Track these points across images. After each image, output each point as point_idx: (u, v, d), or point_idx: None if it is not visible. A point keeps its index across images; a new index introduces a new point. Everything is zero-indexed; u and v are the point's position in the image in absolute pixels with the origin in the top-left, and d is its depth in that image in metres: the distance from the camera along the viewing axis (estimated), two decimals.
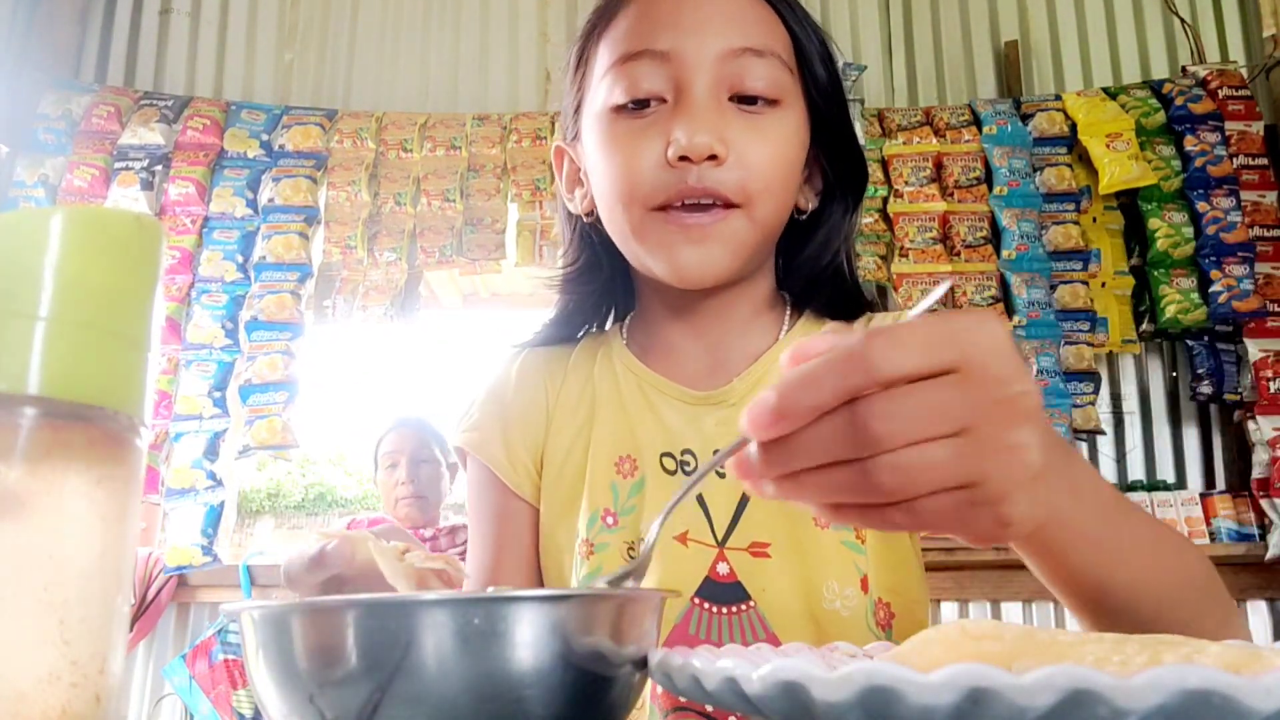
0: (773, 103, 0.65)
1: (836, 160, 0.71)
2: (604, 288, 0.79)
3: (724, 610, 0.65)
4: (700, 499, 0.68)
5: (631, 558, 0.70)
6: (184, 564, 2.48)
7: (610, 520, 0.71)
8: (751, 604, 0.65)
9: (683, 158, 0.61)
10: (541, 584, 0.76)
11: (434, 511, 2.42)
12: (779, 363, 0.36)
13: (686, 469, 0.70)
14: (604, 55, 0.68)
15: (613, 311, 0.82)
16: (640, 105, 0.65)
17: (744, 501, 0.68)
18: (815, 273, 0.73)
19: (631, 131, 0.65)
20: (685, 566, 0.67)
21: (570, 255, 0.78)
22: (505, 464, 0.77)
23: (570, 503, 0.73)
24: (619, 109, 0.66)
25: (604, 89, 0.67)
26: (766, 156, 0.64)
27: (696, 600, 0.66)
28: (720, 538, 0.67)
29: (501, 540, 0.76)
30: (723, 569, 0.67)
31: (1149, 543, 0.50)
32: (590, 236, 0.76)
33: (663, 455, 0.71)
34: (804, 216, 0.72)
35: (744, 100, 0.64)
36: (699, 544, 0.67)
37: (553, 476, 0.75)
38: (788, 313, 0.75)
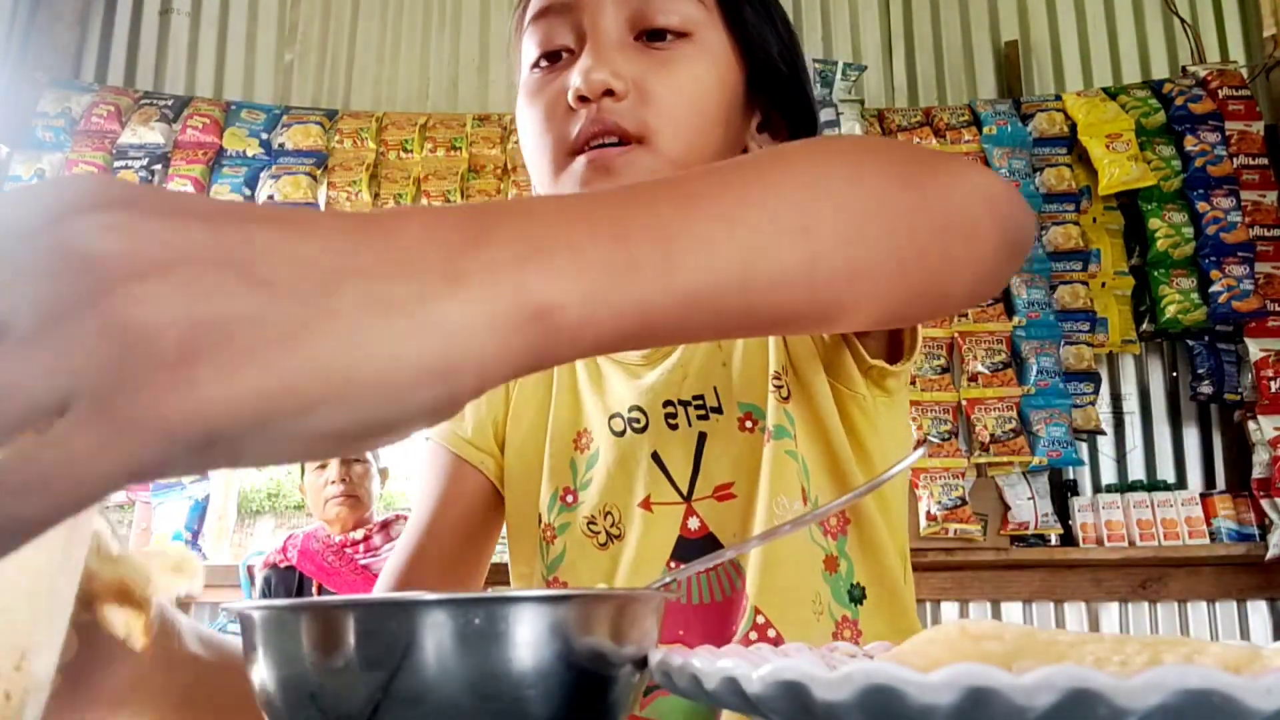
0: (683, 36, 0.63)
1: (782, 102, 0.68)
2: None
3: (705, 568, 0.65)
4: (655, 457, 0.68)
5: (594, 532, 0.69)
6: None
7: (570, 499, 0.71)
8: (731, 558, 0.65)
9: (581, 98, 0.60)
10: (473, 550, 0.74)
11: (365, 512, 2.34)
12: None
13: (636, 426, 0.69)
14: (526, 16, 0.68)
15: None
16: (553, 59, 0.65)
17: (700, 447, 0.67)
18: None
19: (543, 84, 0.64)
20: (655, 532, 0.66)
21: None
22: (467, 446, 0.76)
23: (532, 484, 0.73)
24: (534, 65, 0.66)
25: (524, 50, 0.67)
26: (673, 90, 0.62)
27: (673, 564, 0.65)
28: (686, 492, 0.67)
29: (446, 497, 0.74)
30: (693, 524, 0.66)
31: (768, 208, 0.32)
32: None
33: (610, 418, 0.70)
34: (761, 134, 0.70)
35: (653, 37, 0.63)
36: (664, 505, 0.67)
37: (513, 459, 0.75)
38: None
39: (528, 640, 0.32)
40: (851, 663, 0.28)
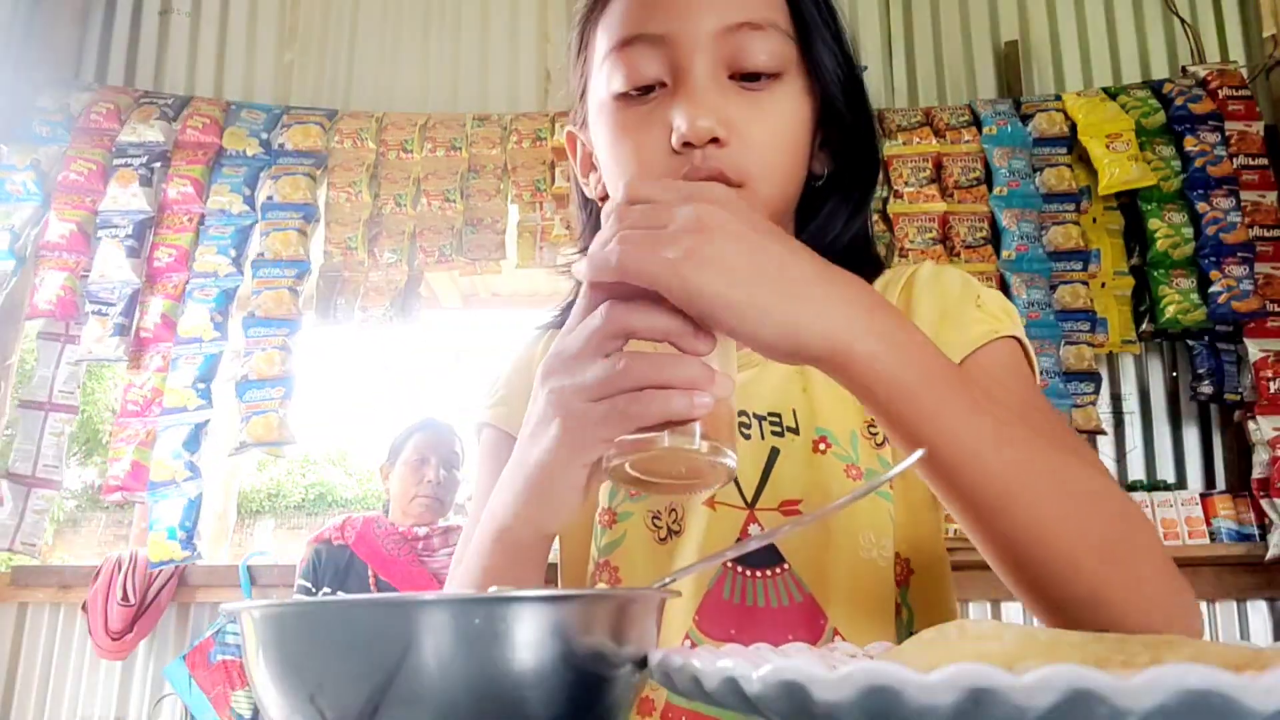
0: (775, 76, 0.64)
1: (845, 126, 0.70)
2: None
3: (758, 574, 0.65)
4: None
5: (656, 526, 0.70)
6: (165, 559, 2.46)
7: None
8: (785, 566, 0.65)
9: (686, 143, 0.61)
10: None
11: (441, 517, 2.44)
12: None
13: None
14: (602, 41, 0.67)
15: None
16: (644, 91, 0.64)
17: (771, 461, 0.68)
18: (829, 242, 0.71)
19: (635, 119, 0.64)
20: (716, 529, 0.67)
21: (585, 240, 0.78)
22: None
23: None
24: (621, 96, 0.65)
25: (604, 76, 0.67)
26: (769, 134, 0.63)
27: (730, 564, 0.66)
28: (750, 499, 0.67)
29: None
30: (754, 531, 0.66)
31: (996, 439, 0.48)
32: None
33: None
34: (820, 182, 0.71)
35: (745, 77, 0.63)
36: (728, 506, 0.67)
37: None
38: None
39: (528, 640, 0.32)
40: (851, 663, 0.28)
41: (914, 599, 0.66)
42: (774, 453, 0.68)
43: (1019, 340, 0.67)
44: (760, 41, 0.63)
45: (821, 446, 0.67)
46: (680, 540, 0.68)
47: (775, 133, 0.64)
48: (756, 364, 0.71)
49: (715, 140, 0.61)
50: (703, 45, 0.62)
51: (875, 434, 0.67)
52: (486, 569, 0.55)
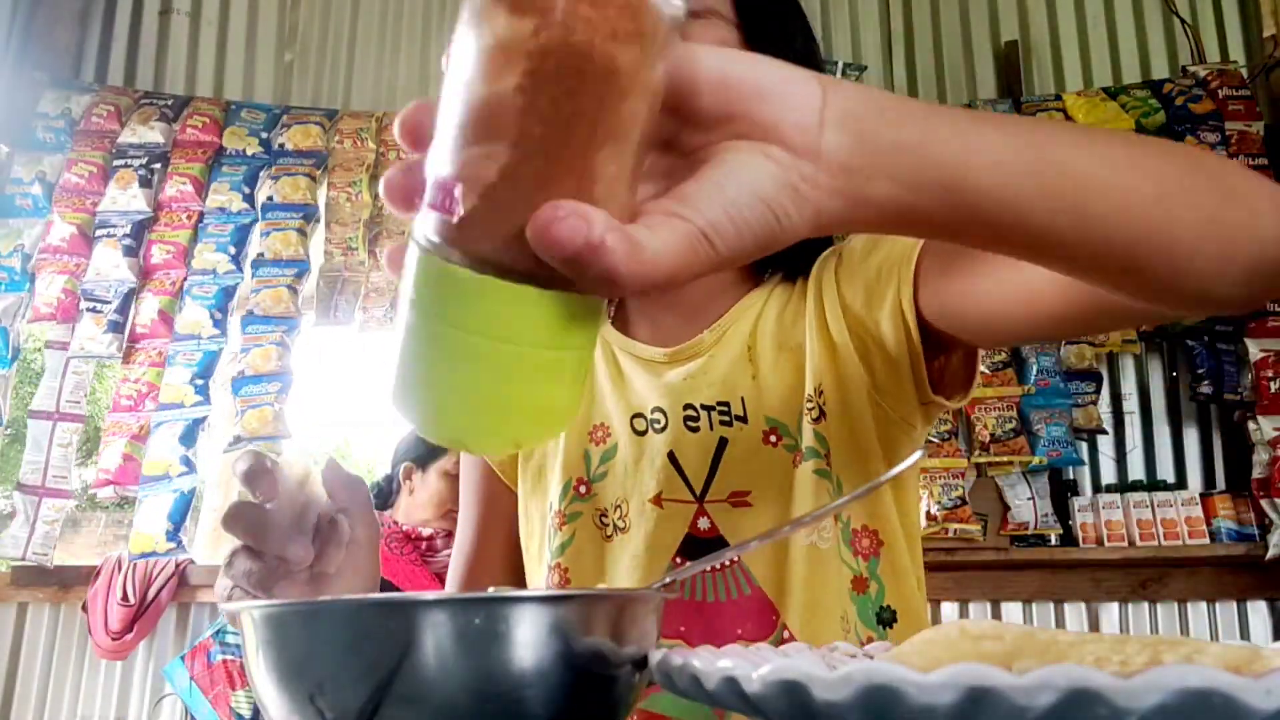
0: (695, 15, 0.63)
1: None
2: None
3: (708, 568, 0.65)
4: (671, 456, 0.68)
5: (603, 524, 0.70)
6: (146, 551, 2.43)
7: (583, 489, 0.72)
8: (736, 558, 0.65)
9: None
10: (521, 566, 0.76)
11: (450, 524, 2.44)
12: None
13: (656, 427, 0.70)
14: None
15: None
16: None
17: (720, 452, 0.68)
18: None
19: None
20: (665, 527, 0.67)
21: None
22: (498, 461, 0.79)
23: (542, 474, 0.74)
24: None
25: None
26: None
27: (678, 560, 0.66)
28: (698, 492, 0.67)
29: (484, 523, 0.79)
30: (703, 524, 0.67)
31: (1085, 145, 0.37)
32: None
33: (633, 417, 0.71)
34: None
35: None
36: (675, 502, 0.68)
37: (526, 450, 0.76)
38: (769, 275, 0.75)
39: (528, 640, 0.32)
40: (851, 663, 0.28)
41: (884, 572, 0.66)
42: (723, 443, 0.68)
43: None
44: (698, 28, 0.62)
45: (772, 438, 0.67)
46: (625, 537, 0.69)
47: None
48: (704, 354, 0.71)
49: None
50: None
51: (812, 409, 0.67)
52: None
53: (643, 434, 0.70)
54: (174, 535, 2.44)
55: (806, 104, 0.30)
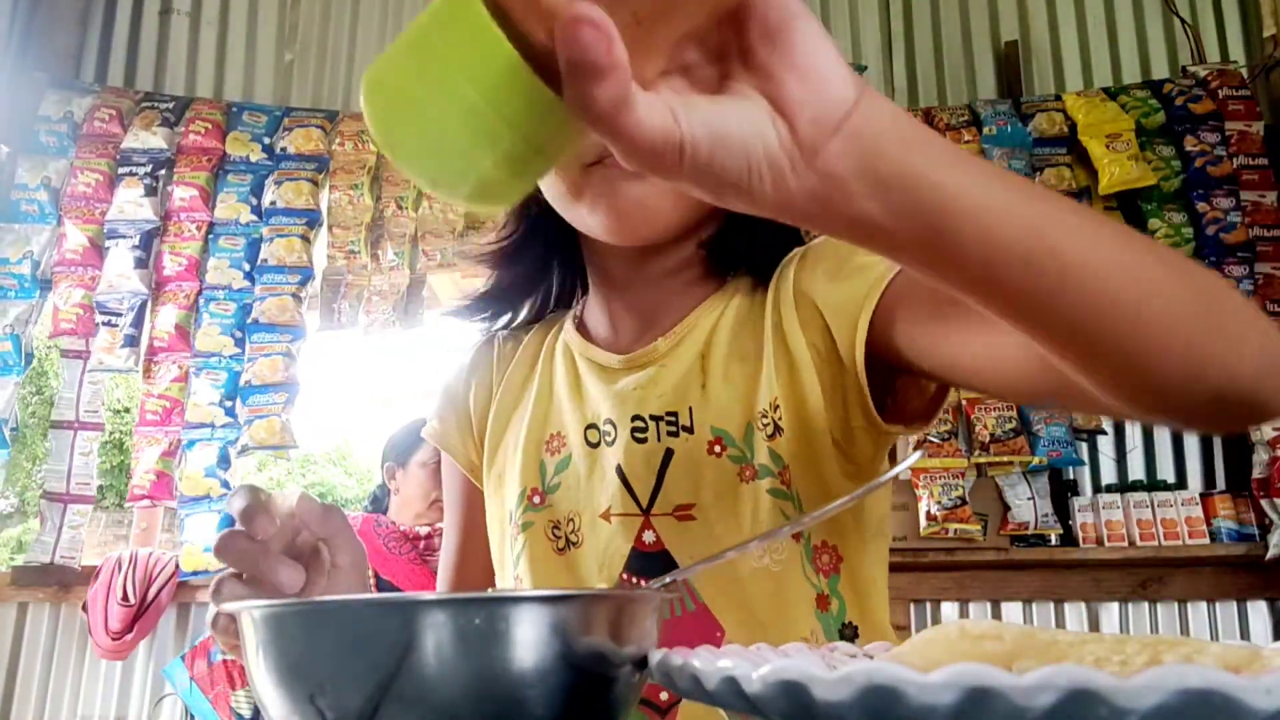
0: None
1: None
2: (536, 268, 0.79)
3: (650, 584, 0.65)
4: (619, 470, 0.68)
5: (555, 536, 0.69)
6: (199, 569, 2.51)
7: (537, 499, 0.72)
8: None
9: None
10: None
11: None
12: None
13: (608, 439, 0.69)
14: None
15: (552, 296, 0.81)
16: None
17: (665, 464, 0.67)
18: (758, 225, 0.69)
19: None
20: (612, 543, 0.67)
21: (507, 229, 0.78)
22: (461, 452, 0.79)
23: (502, 480, 0.75)
24: None
25: None
26: None
27: (624, 576, 0.66)
28: (645, 505, 0.67)
29: (465, 526, 0.79)
30: (649, 537, 0.66)
31: (1071, 223, 0.36)
32: (530, 210, 0.75)
33: (587, 428, 0.71)
34: None
35: None
36: (623, 516, 0.67)
37: (489, 456, 0.77)
38: (729, 280, 0.73)
39: (528, 640, 0.32)
40: (851, 663, 0.28)
41: (846, 586, 0.66)
42: (668, 454, 0.67)
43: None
44: None
45: (717, 449, 0.66)
46: (579, 551, 0.68)
47: None
48: (656, 362, 0.70)
49: None
50: None
51: (767, 425, 0.66)
52: None
53: (595, 446, 0.70)
54: None
55: (834, 104, 0.31)
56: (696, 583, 0.65)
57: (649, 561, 0.65)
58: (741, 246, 0.71)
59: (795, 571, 0.64)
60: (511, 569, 0.72)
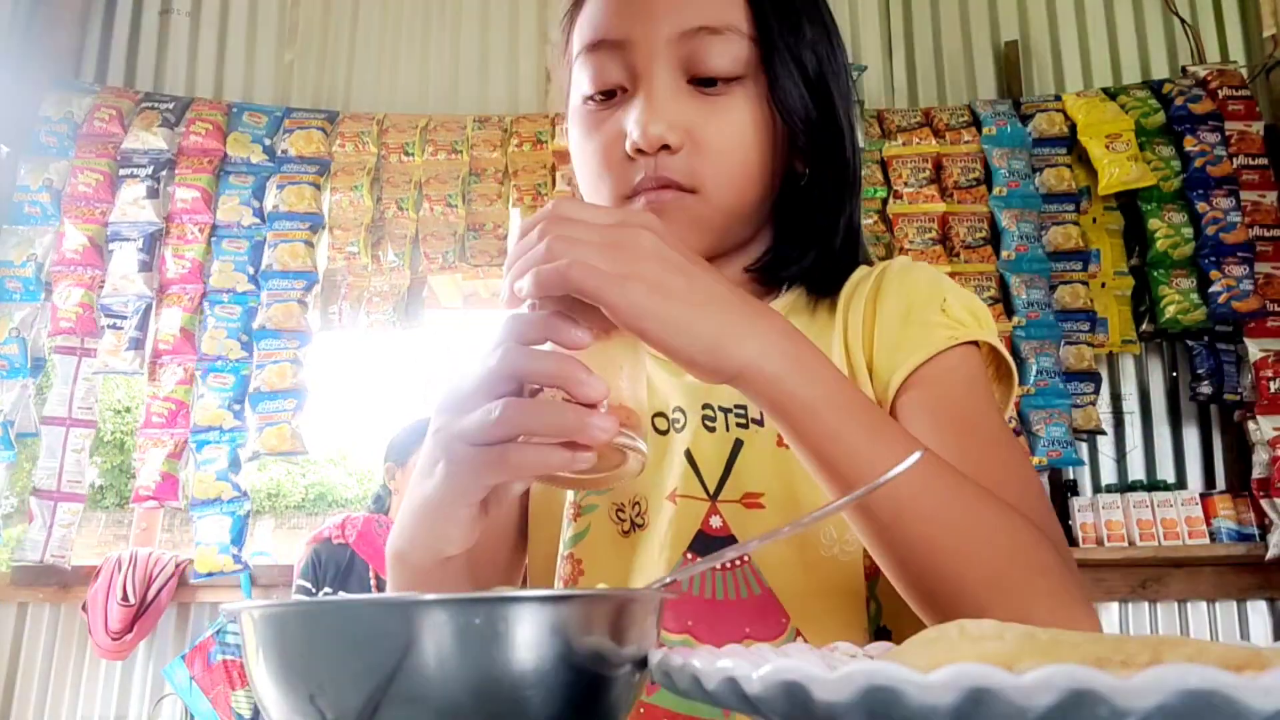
0: (735, 79, 0.63)
1: (814, 127, 0.67)
2: None
3: (717, 565, 0.65)
4: (688, 454, 0.68)
5: (620, 519, 0.70)
6: (215, 571, 2.53)
7: None
8: (745, 559, 0.65)
9: (639, 150, 0.61)
10: (523, 549, 0.76)
11: None
12: None
13: (677, 426, 0.70)
14: (576, 42, 0.68)
15: None
16: (607, 95, 0.65)
17: (735, 453, 0.67)
18: (810, 244, 0.70)
19: (598, 122, 0.65)
20: (677, 523, 0.67)
21: None
22: None
23: None
24: (588, 99, 0.66)
25: (575, 78, 0.67)
26: (725, 139, 0.63)
27: (689, 555, 0.66)
28: (712, 491, 0.67)
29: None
30: (715, 522, 0.66)
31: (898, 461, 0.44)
32: None
33: (655, 416, 0.71)
34: (805, 181, 0.69)
35: (704, 81, 0.63)
36: (690, 499, 0.67)
37: None
38: (784, 290, 0.73)
39: (528, 640, 0.32)
40: (851, 663, 0.28)
41: (883, 591, 0.66)
42: (738, 444, 0.68)
43: (989, 344, 0.66)
44: (718, 45, 0.63)
45: (785, 444, 0.67)
46: (644, 533, 0.68)
47: (732, 137, 0.63)
48: None
49: (666, 147, 0.61)
50: (660, 50, 0.62)
51: None
52: (392, 588, 0.55)
53: (665, 433, 0.70)
54: (238, 557, 2.55)
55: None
56: (763, 568, 0.65)
57: (715, 545, 0.66)
58: (794, 272, 0.71)
59: (857, 566, 0.64)
60: (563, 550, 0.71)
